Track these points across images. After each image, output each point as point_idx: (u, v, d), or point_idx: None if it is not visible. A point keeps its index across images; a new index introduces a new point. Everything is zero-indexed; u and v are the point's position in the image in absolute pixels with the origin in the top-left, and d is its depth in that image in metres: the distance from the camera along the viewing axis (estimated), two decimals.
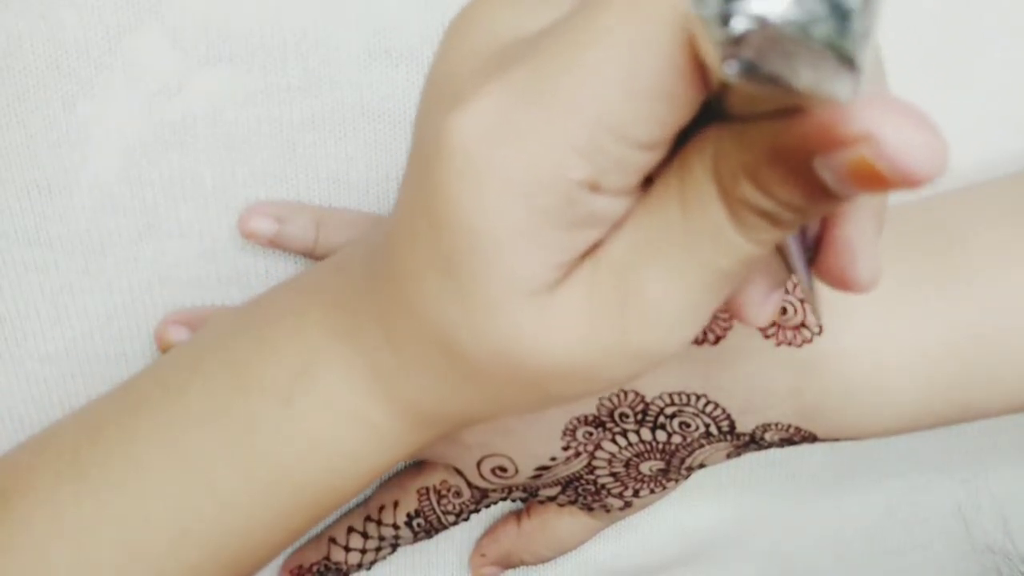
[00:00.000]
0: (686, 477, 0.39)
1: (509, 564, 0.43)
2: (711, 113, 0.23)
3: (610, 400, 0.35)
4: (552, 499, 0.39)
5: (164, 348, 0.39)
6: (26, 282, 0.38)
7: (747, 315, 0.28)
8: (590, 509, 0.40)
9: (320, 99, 0.37)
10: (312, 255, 0.38)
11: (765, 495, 0.47)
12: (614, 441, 0.36)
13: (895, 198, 0.38)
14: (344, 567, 0.41)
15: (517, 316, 0.25)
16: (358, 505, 0.42)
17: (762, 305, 0.28)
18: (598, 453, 0.37)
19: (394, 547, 0.41)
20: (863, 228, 0.25)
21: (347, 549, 0.41)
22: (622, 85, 0.22)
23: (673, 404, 0.35)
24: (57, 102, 0.36)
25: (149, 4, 0.36)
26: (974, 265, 0.34)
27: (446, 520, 0.40)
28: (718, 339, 0.34)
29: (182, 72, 0.36)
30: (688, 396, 0.35)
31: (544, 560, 0.43)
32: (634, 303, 0.24)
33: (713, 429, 0.36)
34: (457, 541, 0.44)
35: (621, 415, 0.36)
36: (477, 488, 0.38)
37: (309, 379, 0.30)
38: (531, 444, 0.36)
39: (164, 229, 0.38)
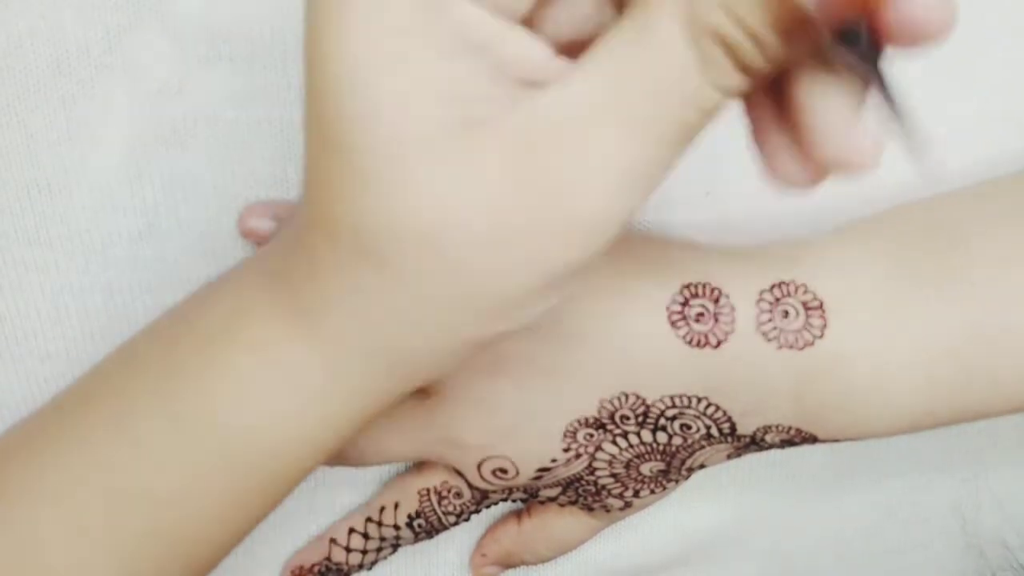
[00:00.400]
0: (686, 478, 0.39)
1: (509, 564, 0.44)
2: None
3: (611, 403, 0.35)
4: (553, 499, 0.39)
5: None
6: (26, 282, 0.38)
7: (830, 153, 0.24)
8: (590, 509, 0.40)
9: None
10: None
11: (765, 495, 0.47)
12: (615, 443, 0.36)
13: (895, 197, 0.38)
14: (345, 567, 0.41)
15: (423, 176, 0.23)
16: (359, 506, 0.42)
17: (844, 137, 0.24)
18: (599, 455, 0.37)
19: (395, 547, 0.41)
20: (833, 103, 0.23)
21: (348, 550, 0.41)
22: None
23: (674, 407, 0.35)
24: (57, 101, 0.36)
25: (149, 4, 0.36)
26: (974, 266, 0.34)
27: (447, 521, 0.40)
28: (719, 343, 0.34)
29: (182, 72, 0.36)
30: (689, 399, 0.35)
31: (544, 560, 0.43)
32: (575, 160, 0.22)
33: (714, 431, 0.36)
34: (457, 541, 0.44)
35: (622, 417, 0.36)
36: (478, 489, 0.38)
37: (234, 327, 0.29)
38: (531, 446, 0.36)
39: (164, 229, 0.38)
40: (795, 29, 0.21)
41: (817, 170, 0.24)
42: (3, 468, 0.32)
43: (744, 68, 0.22)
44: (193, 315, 0.31)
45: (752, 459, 0.45)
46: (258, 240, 0.38)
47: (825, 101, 0.23)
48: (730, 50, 0.22)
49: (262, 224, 0.38)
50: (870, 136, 0.23)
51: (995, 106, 0.41)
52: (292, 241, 0.28)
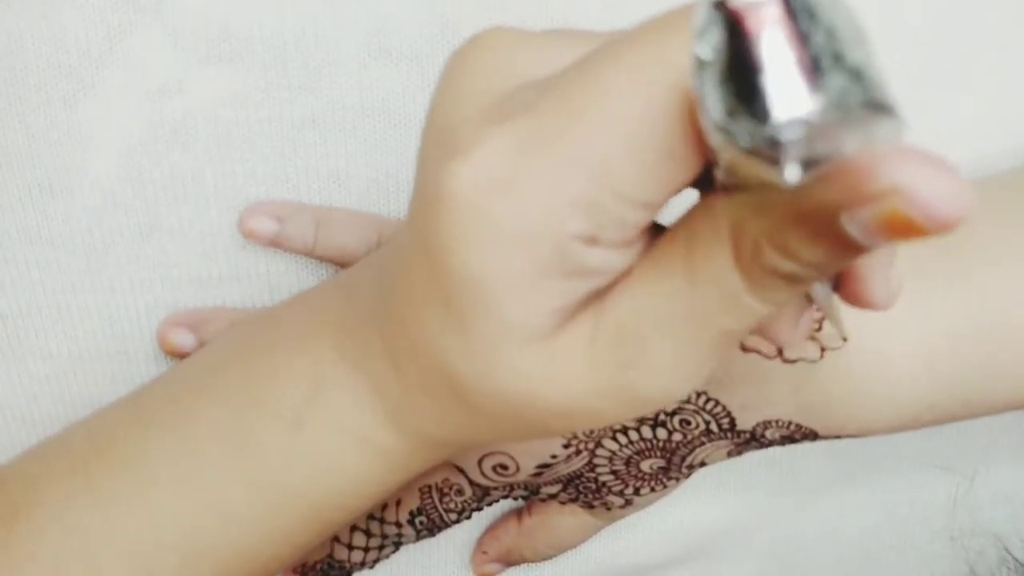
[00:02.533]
0: (687, 475, 0.39)
1: (510, 561, 0.44)
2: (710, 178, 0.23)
3: None
4: (553, 497, 0.39)
5: (167, 350, 0.39)
6: (28, 280, 0.38)
7: (787, 347, 0.29)
8: (591, 507, 0.40)
9: (320, 98, 0.38)
10: (312, 255, 0.38)
11: (765, 494, 0.47)
12: (614, 439, 0.36)
13: None
14: (347, 565, 0.41)
15: (516, 360, 0.25)
16: None
17: (797, 331, 0.28)
18: (599, 451, 0.37)
19: (397, 545, 0.41)
20: (876, 258, 0.26)
21: (350, 547, 0.41)
22: (624, 143, 0.22)
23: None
24: (58, 102, 0.36)
25: (150, 4, 0.36)
26: (976, 259, 0.35)
27: (448, 518, 0.40)
28: None
29: (182, 71, 0.36)
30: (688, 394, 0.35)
31: (545, 558, 0.43)
32: (638, 362, 0.25)
33: (713, 426, 0.36)
34: (458, 540, 0.44)
35: None
36: (479, 486, 0.38)
37: (319, 403, 0.30)
38: (532, 442, 0.36)
39: (165, 228, 0.38)
40: (848, 249, 0.22)
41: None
42: (56, 517, 0.33)
43: (796, 283, 0.23)
44: (267, 388, 0.32)
45: (752, 458, 0.46)
46: (259, 241, 0.38)
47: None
48: (787, 276, 0.22)
49: (264, 225, 0.38)
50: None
51: (994, 105, 0.42)
52: (373, 329, 0.29)
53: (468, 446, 0.31)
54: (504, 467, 0.37)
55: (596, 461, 0.37)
